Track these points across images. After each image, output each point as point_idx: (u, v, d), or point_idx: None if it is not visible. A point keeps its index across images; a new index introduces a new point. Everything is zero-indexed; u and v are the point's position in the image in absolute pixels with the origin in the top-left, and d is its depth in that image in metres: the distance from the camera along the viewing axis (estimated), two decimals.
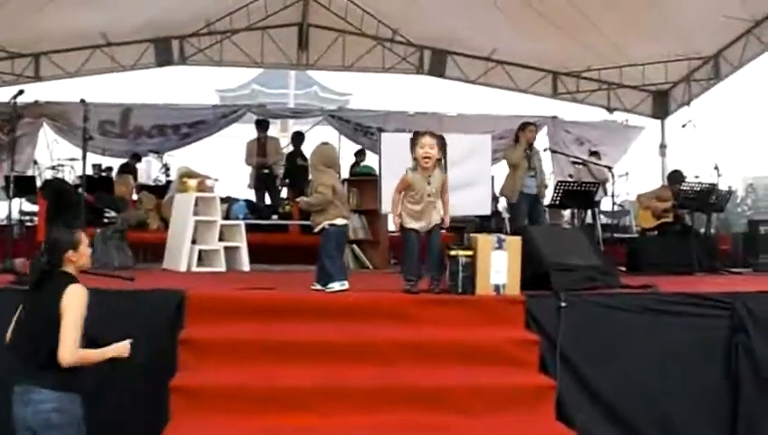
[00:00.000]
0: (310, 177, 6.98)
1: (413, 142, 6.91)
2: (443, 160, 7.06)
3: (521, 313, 6.61)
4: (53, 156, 14.90)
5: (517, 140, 10.94)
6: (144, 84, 23.31)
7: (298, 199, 7.07)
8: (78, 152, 15.34)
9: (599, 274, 7.34)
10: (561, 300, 6.65)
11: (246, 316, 6.36)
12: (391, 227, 8.06)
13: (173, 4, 14.42)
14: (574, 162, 12.78)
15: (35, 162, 15.37)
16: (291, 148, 15.03)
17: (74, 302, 4.82)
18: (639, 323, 6.82)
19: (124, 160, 15.66)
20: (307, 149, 14.50)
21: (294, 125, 25.70)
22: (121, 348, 5.05)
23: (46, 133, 15.81)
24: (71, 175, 14.84)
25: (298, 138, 15.09)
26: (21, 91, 9.01)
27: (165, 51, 16.01)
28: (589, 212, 12.73)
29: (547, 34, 14.44)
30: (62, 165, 14.73)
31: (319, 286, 6.95)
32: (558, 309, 6.62)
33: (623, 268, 10.09)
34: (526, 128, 10.98)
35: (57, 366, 4.71)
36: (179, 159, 15.87)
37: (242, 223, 10.18)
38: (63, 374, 4.73)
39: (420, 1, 14.43)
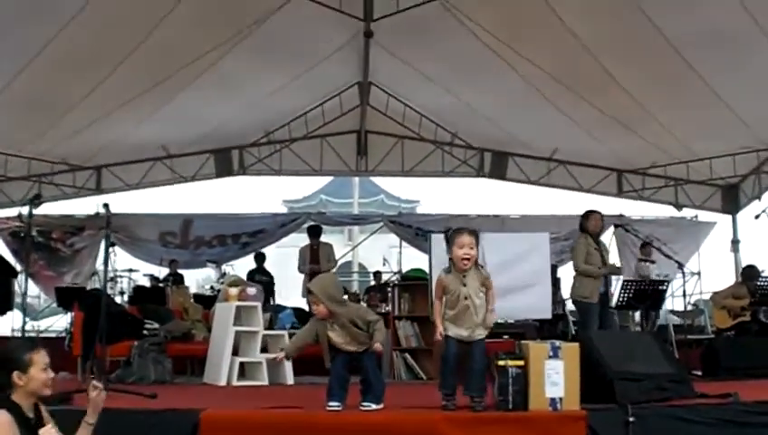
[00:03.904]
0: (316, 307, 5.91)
1: (449, 241, 5.97)
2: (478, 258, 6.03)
3: (582, 431, 5.50)
4: (113, 267, 14.30)
5: (583, 230, 9.80)
6: (208, 194, 23.06)
7: (378, 348, 6.00)
8: (136, 263, 15.01)
9: (670, 382, 6.22)
10: (628, 414, 5.57)
11: None
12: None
13: (231, 115, 13.96)
14: (642, 260, 11.79)
15: (95, 274, 14.84)
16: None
17: None
18: None
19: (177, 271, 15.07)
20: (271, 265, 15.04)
21: (360, 233, 25.16)
22: None
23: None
24: (129, 285, 14.30)
25: (260, 257, 15.12)
26: (38, 196, 8.30)
27: (225, 161, 15.64)
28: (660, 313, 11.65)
29: (609, 132, 13.69)
30: (120, 276, 14.16)
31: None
32: (625, 425, 5.54)
33: (698, 373, 8.95)
34: (591, 216, 9.79)
35: None
36: (238, 268, 15.20)
37: (285, 333, 9.28)
38: None
39: (478, 104, 13.74)
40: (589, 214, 9.77)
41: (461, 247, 5.86)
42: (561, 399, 5.63)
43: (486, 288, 5.91)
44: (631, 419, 5.55)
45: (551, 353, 5.68)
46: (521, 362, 5.67)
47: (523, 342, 6.02)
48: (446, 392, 5.80)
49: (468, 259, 5.84)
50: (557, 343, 5.76)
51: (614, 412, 5.65)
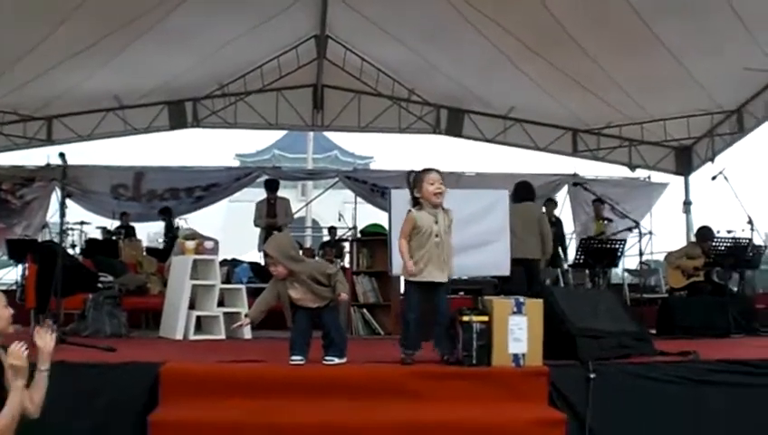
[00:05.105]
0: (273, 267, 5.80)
1: (417, 180, 5.91)
2: None
3: (544, 386, 5.55)
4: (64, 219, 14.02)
5: (532, 199, 10.08)
6: (160, 147, 22.67)
7: (344, 298, 5.95)
8: (87, 216, 14.74)
9: (631, 340, 6.26)
10: (589, 371, 5.60)
11: (228, 393, 5.33)
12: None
13: (186, 66, 13.66)
14: (604, 218, 11.91)
15: (45, 226, 14.56)
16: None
17: None
18: (679, 396, 5.74)
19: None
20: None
21: (314, 189, 24.98)
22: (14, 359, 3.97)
23: (57, 196, 14.98)
24: (81, 238, 14.05)
25: (167, 212, 15.05)
26: None
27: (178, 113, 15.28)
28: (613, 272, 11.75)
29: (566, 91, 13.66)
30: (72, 228, 13.89)
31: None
32: (586, 381, 5.57)
33: (653, 331, 9.04)
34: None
35: None
36: (192, 222, 15.01)
37: (243, 287, 9.19)
38: None
39: (435, 60, 13.61)
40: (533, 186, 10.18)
41: (432, 183, 5.80)
42: (523, 355, 5.64)
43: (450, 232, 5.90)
44: (592, 375, 5.60)
45: (514, 309, 5.68)
46: (485, 318, 5.66)
47: (486, 297, 6.01)
48: (406, 348, 5.78)
49: (441, 193, 5.80)
50: (521, 298, 5.76)
51: (576, 369, 5.69)
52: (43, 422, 4.31)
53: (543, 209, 11.67)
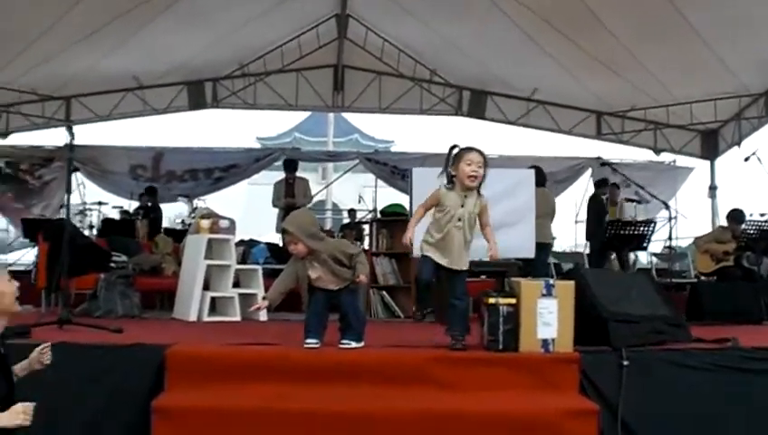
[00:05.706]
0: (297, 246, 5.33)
1: (455, 157, 5.42)
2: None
3: (574, 374, 5.11)
4: (82, 199, 13.69)
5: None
6: (179, 128, 22.29)
7: (363, 280, 5.51)
8: (105, 196, 14.42)
9: (667, 326, 5.80)
10: (622, 358, 5.17)
11: (239, 378, 4.93)
12: None
13: (206, 46, 13.33)
14: (628, 199, 11.43)
15: (63, 206, 14.23)
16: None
17: None
18: (718, 385, 5.29)
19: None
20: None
21: (335, 172, 24.62)
22: (13, 415, 3.54)
23: (77, 177, 14.63)
24: (99, 219, 13.71)
25: (151, 191, 14.32)
26: None
27: (198, 93, 14.95)
28: (637, 255, 11.31)
29: (590, 73, 13.22)
30: (90, 209, 13.56)
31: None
32: (619, 368, 5.15)
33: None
34: None
35: None
36: (212, 205, 14.64)
37: (259, 268, 8.79)
38: None
39: (458, 40, 13.20)
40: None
41: (469, 164, 5.33)
42: (553, 340, 5.21)
43: (483, 223, 5.44)
44: (626, 362, 5.18)
45: (544, 292, 5.24)
46: (513, 301, 5.23)
47: (513, 279, 5.58)
48: (423, 310, 5.39)
49: (475, 177, 5.34)
50: (551, 280, 5.33)
51: (608, 355, 5.26)
52: (46, 405, 3.95)
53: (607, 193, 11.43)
